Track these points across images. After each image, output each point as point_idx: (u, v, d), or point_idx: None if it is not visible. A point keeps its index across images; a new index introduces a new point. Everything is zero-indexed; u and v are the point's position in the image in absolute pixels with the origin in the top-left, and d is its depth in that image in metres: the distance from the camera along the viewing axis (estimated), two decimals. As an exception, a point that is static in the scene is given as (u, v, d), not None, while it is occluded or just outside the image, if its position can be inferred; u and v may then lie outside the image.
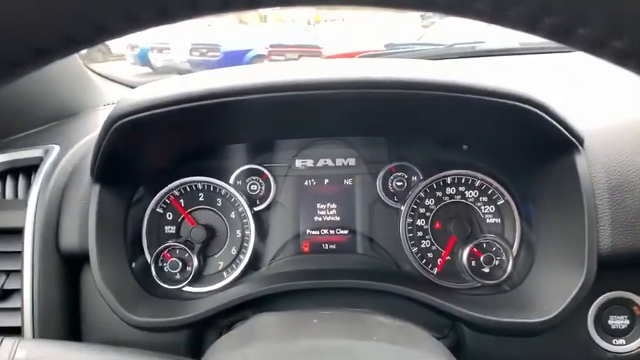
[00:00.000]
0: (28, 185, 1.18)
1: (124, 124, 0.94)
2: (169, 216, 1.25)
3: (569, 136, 0.96)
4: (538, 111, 0.91)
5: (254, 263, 1.26)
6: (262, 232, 1.27)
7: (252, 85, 0.91)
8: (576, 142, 0.97)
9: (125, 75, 2.09)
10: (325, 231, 1.29)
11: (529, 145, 1.08)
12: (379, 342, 0.73)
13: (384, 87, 0.91)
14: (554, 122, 0.93)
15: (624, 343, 1.08)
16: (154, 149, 1.16)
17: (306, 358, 0.68)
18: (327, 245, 1.29)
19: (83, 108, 1.63)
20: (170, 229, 1.25)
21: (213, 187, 1.26)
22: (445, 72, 0.95)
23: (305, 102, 0.96)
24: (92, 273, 1.03)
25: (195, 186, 1.26)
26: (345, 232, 1.28)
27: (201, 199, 1.26)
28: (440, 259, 1.22)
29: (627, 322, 1.08)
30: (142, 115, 0.92)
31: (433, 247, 1.23)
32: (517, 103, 0.90)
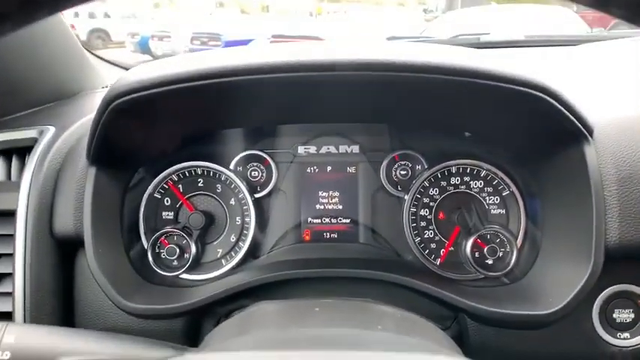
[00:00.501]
0: (22, 167, 1.15)
1: (121, 104, 0.91)
2: (167, 201, 1.23)
3: (579, 125, 0.93)
4: (550, 99, 0.88)
5: (253, 251, 1.24)
6: (262, 220, 1.25)
7: (255, 64, 0.88)
8: (586, 133, 0.95)
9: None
10: (327, 219, 1.27)
11: (537, 134, 1.06)
12: (384, 331, 0.71)
13: (394, 70, 0.87)
14: (566, 111, 0.90)
15: (629, 336, 1.06)
16: (152, 131, 1.13)
17: (308, 346, 0.66)
18: (328, 234, 1.27)
19: (81, 89, 1.60)
20: (168, 214, 1.23)
21: (213, 172, 1.23)
22: (456, 56, 0.92)
23: (311, 84, 0.93)
24: (87, 258, 1.01)
25: (195, 171, 1.23)
26: (347, 220, 1.26)
27: (200, 184, 1.23)
28: (443, 250, 1.20)
29: (632, 315, 1.06)
30: (139, 94, 0.89)
31: (436, 238, 1.21)
32: (531, 91, 0.87)
